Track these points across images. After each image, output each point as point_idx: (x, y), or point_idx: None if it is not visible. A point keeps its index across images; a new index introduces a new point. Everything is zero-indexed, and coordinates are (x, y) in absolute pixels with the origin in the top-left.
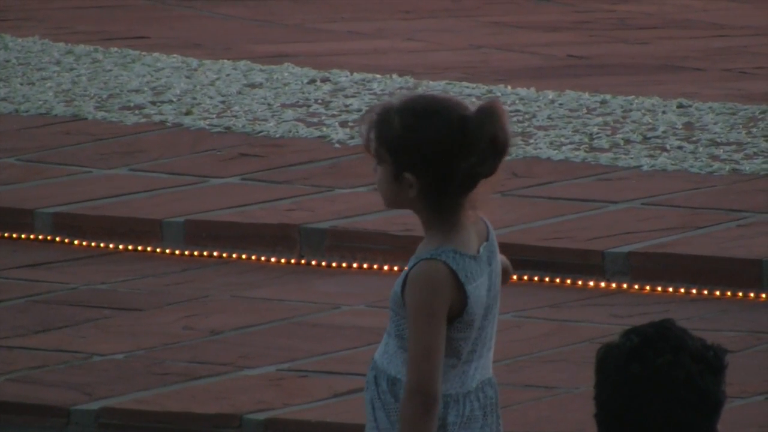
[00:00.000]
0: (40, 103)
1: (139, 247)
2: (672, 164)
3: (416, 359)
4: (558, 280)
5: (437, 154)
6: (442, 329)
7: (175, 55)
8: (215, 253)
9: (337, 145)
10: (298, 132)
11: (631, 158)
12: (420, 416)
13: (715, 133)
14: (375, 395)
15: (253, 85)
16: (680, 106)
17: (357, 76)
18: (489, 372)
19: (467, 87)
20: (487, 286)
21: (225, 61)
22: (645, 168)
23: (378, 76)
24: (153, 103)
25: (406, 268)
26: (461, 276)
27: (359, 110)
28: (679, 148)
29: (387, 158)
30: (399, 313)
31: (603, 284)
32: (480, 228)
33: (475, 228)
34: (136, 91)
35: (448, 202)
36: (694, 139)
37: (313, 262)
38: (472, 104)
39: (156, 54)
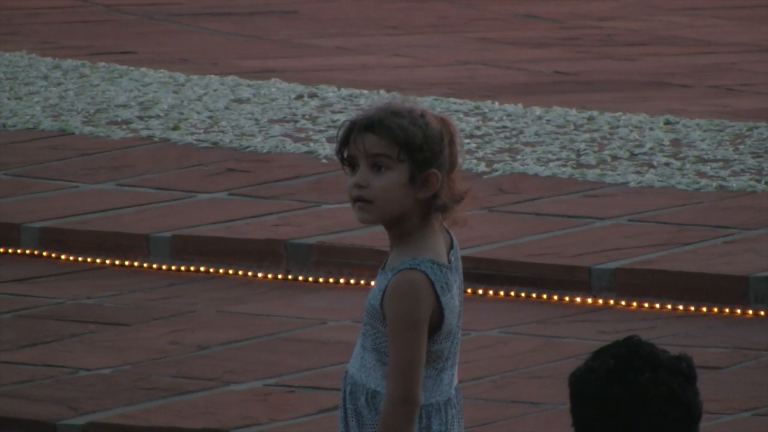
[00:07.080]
0: (28, 117)
1: (126, 262)
2: (659, 181)
3: (401, 369)
4: (544, 296)
5: (443, 147)
6: (424, 339)
7: (162, 70)
8: (202, 268)
9: (324, 161)
10: (285, 147)
11: (618, 175)
12: (407, 425)
13: (702, 149)
14: (351, 409)
15: (240, 101)
16: (667, 122)
17: (344, 91)
18: (456, 377)
19: (454, 103)
20: (459, 294)
21: (212, 76)
22: (632, 184)
23: (365, 91)
24: (140, 118)
25: (373, 282)
26: (438, 287)
27: None
28: (666, 164)
29: (404, 158)
30: (376, 326)
31: (589, 300)
32: (444, 234)
33: (442, 235)
34: (124, 106)
35: (440, 204)
36: (681, 155)
37: (300, 278)
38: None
39: (143, 69)
